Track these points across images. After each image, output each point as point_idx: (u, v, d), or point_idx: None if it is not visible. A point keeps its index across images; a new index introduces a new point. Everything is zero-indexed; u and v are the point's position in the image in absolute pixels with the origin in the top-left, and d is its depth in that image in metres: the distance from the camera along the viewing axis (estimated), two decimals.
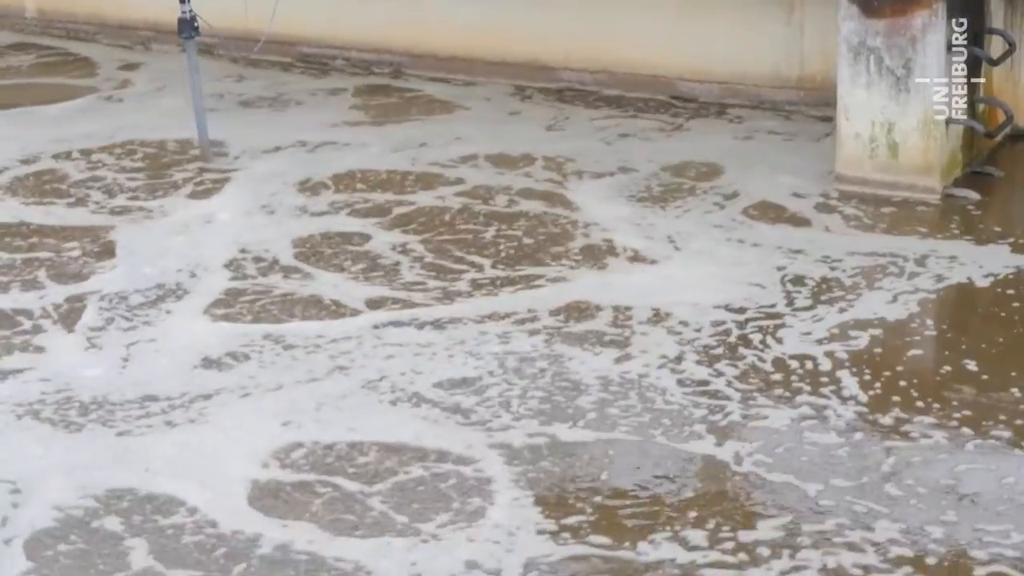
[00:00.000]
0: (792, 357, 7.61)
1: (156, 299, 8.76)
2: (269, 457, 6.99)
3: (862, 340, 7.76)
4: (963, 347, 7.66)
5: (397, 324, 8.26)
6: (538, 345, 7.90)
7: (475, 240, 9.32)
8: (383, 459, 6.92)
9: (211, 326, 8.39)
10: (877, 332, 7.85)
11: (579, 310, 8.29)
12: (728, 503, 6.40)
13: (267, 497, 6.67)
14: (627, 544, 6.14)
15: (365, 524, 6.42)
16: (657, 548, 6.10)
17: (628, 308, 8.28)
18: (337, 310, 8.48)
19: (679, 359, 7.67)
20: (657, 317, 8.15)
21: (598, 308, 8.29)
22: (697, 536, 6.18)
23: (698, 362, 7.61)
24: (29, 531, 6.51)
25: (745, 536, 6.16)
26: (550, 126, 11.42)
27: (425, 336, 8.09)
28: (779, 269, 8.67)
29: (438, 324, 8.22)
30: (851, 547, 6.06)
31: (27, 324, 8.51)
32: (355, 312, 8.45)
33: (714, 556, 6.04)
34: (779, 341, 7.79)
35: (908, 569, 5.91)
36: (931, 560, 5.97)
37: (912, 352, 7.65)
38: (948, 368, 7.45)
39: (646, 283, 8.63)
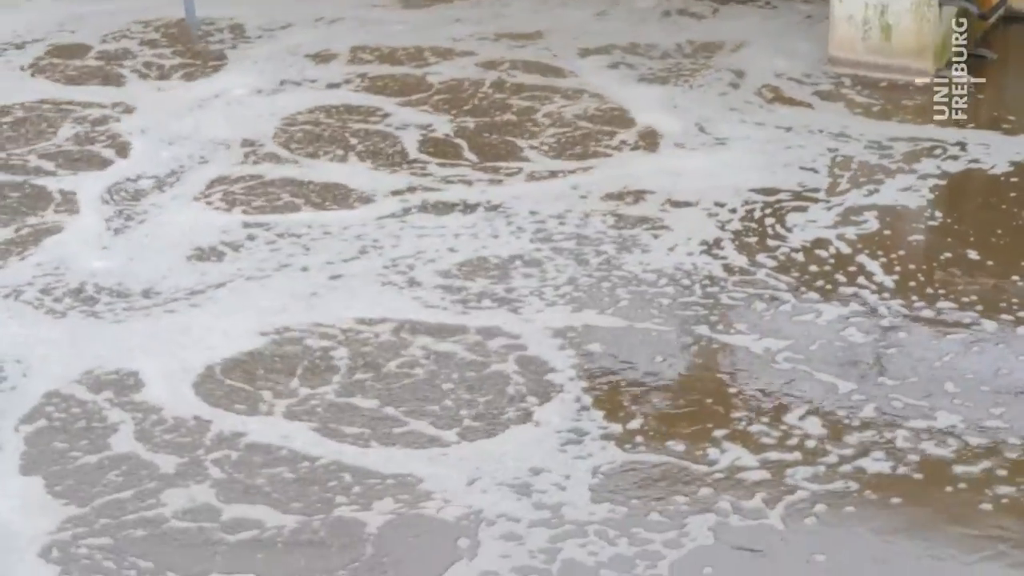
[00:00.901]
0: (832, 243, 7.25)
1: (161, 185, 8.20)
2: (294, 333, 6.60)
3: (917, 230, 7.42)
4: None
5: (429, 208, 7.83)
6: (584, 226, 7.50)
7: (517, 125, 8.78)
8: (407, 336, 6.58)
9: (218, 213, 7.87)
10: (931, 221, 7.51)
11: (623, 195, 7.83)
12: (781, 398, 6.03)
13: (275, 372, 6.32)
14: (690, 446, 5.78)
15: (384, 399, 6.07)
16: (724, 451, 5.73)
17: (671, 193, 7.84)
18: (364, 195, 7.98)
19: (718, 243, 7.29)
20: (698, 203, 7.72)
21: (643, 193, 7.84)
22: (761, 433, 5.82)
23: (740, 248, 7.22)
24: (18, 412, 6.19)
25: (809, 431, 5.81)
26: (602, 12, 10.75)
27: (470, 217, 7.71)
28: (830, 151, 8.26)
29: (478, 206, 7.81)
30: (925, 439, 5.74)
31: (29, 205, 8.03)
32: (380, 195, 7.97)
33: (776, 455, 5.68)
34: (831, 226, 7.43)
35: (987, 464, 5.58)
36: (1011, 454, 5.63)
37: (973, 243, 7.26)
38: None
39: (691, 167, 8.17)
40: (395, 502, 5.53)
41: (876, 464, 5.59)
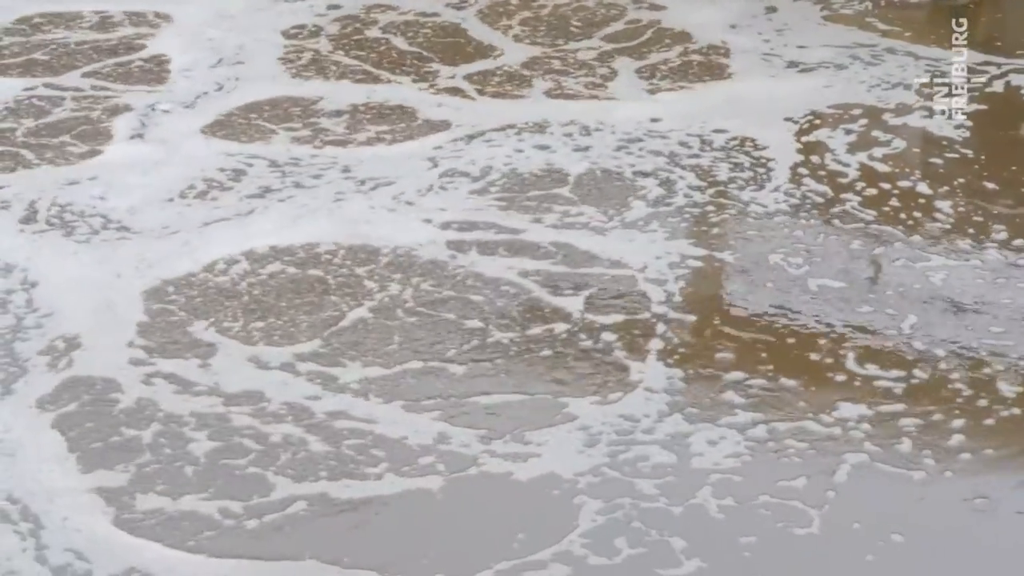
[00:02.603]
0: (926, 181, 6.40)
1: (197, 106, 7.15)
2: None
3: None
4: None
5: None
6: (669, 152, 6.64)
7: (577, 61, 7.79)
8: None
9: (247, 140, 6.85)
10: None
11: (714, 118, 6.96)
12: (889, 341, 5.19)
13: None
14: (811, 399, 4.94)
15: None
16: (841, 402, 4.87)
17: (755, 116, 6.96)
18: (425, 121, 7.00)
19: (800, 171, 6.43)
20: (786, 127, 6.85)
21: (729, 118, 6.96)
22: (885, 379, 4.98)
23: (825, 178, 6.36)
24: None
25: (925, 374, 5.01)
26: None
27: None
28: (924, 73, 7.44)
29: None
30: None
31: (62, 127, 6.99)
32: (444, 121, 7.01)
33: (902, 404, 4.85)
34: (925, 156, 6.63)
35: None
36: None
37: None
38: None
39: (770, 93, 7.28)
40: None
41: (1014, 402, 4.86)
